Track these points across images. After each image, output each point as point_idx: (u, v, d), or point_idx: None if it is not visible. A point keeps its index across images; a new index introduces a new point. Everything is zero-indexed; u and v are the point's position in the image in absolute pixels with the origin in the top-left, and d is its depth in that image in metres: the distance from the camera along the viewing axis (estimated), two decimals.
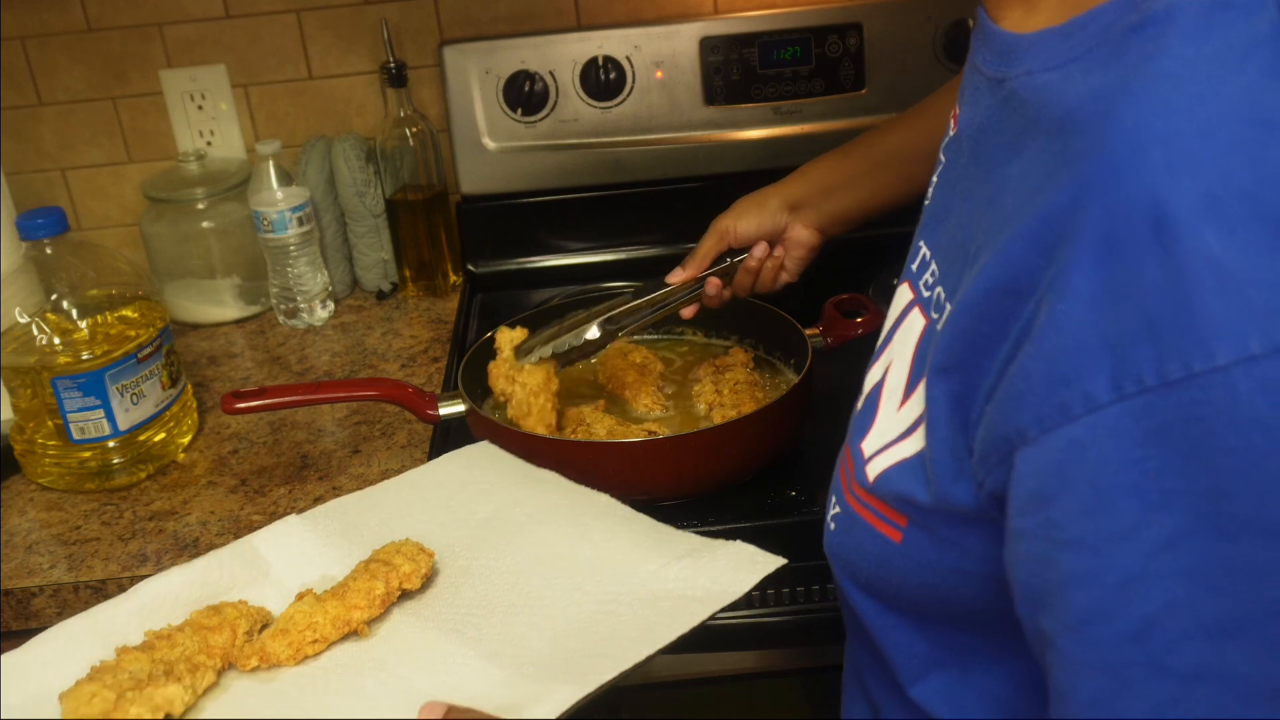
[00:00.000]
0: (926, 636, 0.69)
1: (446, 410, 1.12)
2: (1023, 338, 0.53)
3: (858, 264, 1.44)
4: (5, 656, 0.75)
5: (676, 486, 1.06)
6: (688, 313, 1.18)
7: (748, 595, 1.06)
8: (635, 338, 1.31)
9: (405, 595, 0.81)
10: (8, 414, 1.23)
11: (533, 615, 0.77)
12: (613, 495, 0.90)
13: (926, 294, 0.68)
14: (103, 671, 0.72)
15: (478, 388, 1.19)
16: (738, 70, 1.48)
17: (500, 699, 0.69)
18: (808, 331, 1.19)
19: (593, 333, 1.13)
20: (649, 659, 0.70)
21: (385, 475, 1.16)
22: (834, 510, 0.72)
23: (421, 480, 0.95)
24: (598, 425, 1.11)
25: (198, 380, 1.39)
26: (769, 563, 0.77)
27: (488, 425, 1.09)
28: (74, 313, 1.16)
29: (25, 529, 1.14)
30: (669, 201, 1.53)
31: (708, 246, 1.16)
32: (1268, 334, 0.46)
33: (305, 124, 1.56)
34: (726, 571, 0.77)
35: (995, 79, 0.63)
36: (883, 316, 1.21)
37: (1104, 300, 0.49)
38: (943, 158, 0.73)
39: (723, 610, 0.74)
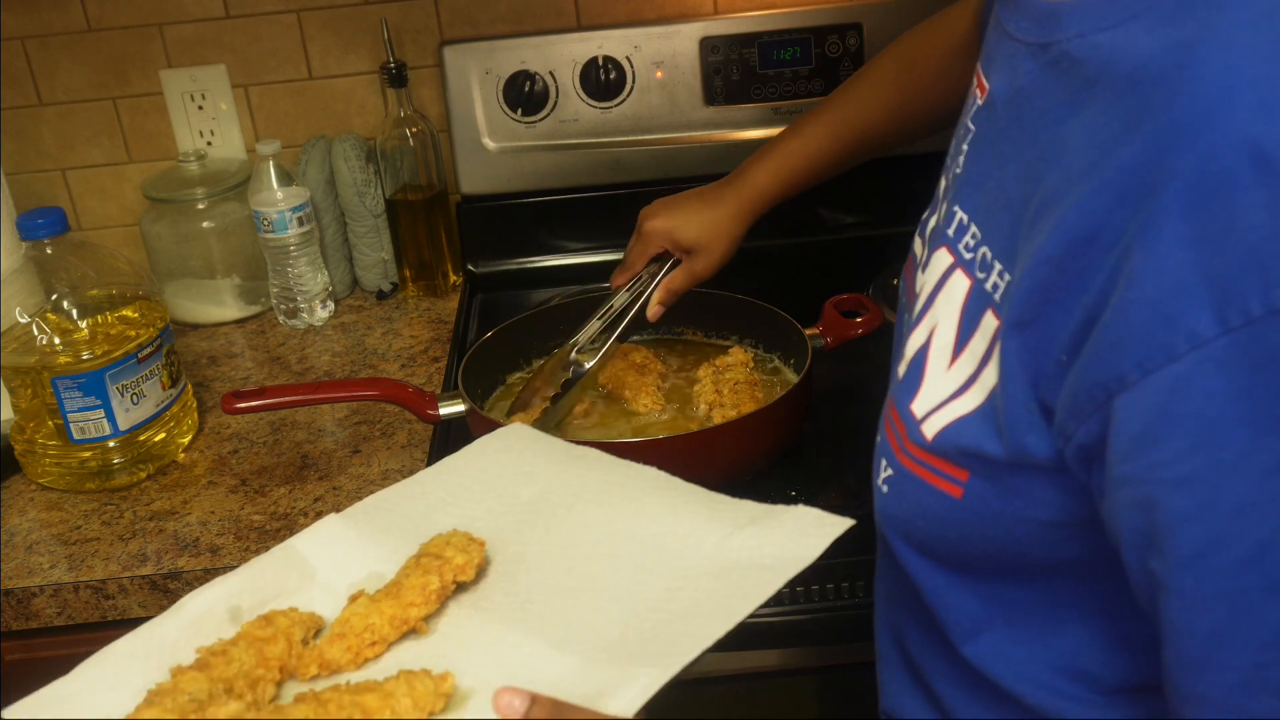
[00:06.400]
0: (978, 595, 0.70)
1: (446, 410, 1.12)
2: (1109, 288, 0.54)
3: (858, 264, 1.45)
4: (52, 686, 0.70)
5: None
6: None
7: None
8: (635, 338, 1.31)
9: (460, 588, 0.78)
10: (8, 414, 1.23)
11: (597, 599, 0.73)
12: None
13: (969, 255, 0.69)
14: (161, 695, 0.68)
15: (478, 388, 1.19)
16: (738, 70, 1.48)
17: (577, 688, 0.66)
18: (808, 331, 1.19)
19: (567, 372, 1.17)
20: (727, 635, 0.67)
21: (385, 475, 1.16)
22: (885, 473, 0.73)
23: (461, 466, 0.90)
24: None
25: (198, 380, 1.39)
26: (836, 525, 0.72)
27: (488, 425, 1.09)
28: (74, 313, 1.16)
29: (25, 529, 1.14)
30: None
31: (682, 287, 1.18)
32: None
33: (305, 124, 1.56)
34: (794, 537, 0.73)
35: (1037, 45, 0.65)
36: (882, 317, 1.22)
37: (1203, 240, 0.50)
38: (972, 125, 0.74)
39: (794, 579, 0.71)
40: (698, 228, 1.16)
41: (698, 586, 0.72)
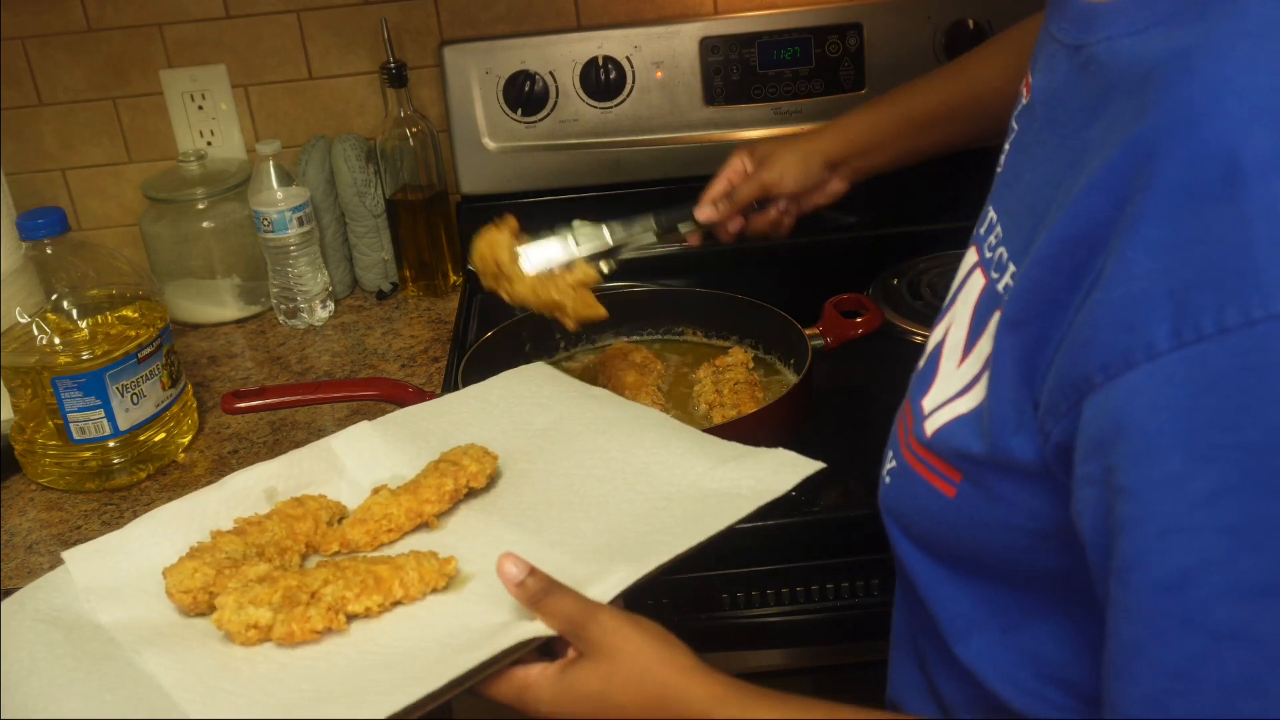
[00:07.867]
0: (971, 594, 0.70)
1: None
2: (1094, 287, 0.53)
3: (858, 264, 1.45)
4: (104, 538, 0.83)
5: None
6: (695, 240, 1.21)
7: (747, 595, 1.06)
8: (635, 338, 1.32)
9: (471, 494, 0.88)
10: (8, 414, 1.23)
11: (589, 510, 0.84)
12: None
13: (989, 255, 0.68)
14: (201, 551, 0.80)
15: None
16: (738, 70, 1.48)
17: (563, 577, 0.73)
18: (808, 331, 1.19)
19: (605, 238, 1.18)
20: (699, 545, 0.77)
21: None
22: (890, 465, 0.74)
23: (484, 393, 1.01)
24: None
25: (198, 380, 1.39)
26: (809, 466, 0.83)
27: None
28: (74, 313, 1.16)
29: (25, 529, 1.14)
30: (669, 201, 1.53)
31: (745, 193, 1.17)
32: None
33: (305, 124, 1.56)
34: (770, 472, 0.83)
35: (1072, 46, 0.64)
36: (882, 317, 1.23)
37: (1172, 249, 0.49)
38: (1015, 126, 0.73)
39: (764, 507, 0.80)
40: (774, 142, 1.19)
41: (680, 507, 0.82)
